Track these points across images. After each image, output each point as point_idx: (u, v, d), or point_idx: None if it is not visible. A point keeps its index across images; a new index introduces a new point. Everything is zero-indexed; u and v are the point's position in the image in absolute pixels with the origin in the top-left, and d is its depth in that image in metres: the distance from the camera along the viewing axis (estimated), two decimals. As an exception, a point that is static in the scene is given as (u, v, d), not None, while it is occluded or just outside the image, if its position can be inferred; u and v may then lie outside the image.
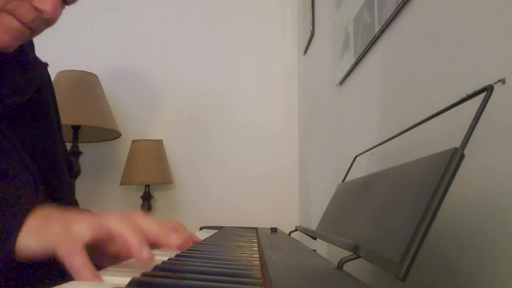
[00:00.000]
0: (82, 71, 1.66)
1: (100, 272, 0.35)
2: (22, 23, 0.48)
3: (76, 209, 0.65)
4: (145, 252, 0.35)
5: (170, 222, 0.63)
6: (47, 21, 0.51)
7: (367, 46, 0.80)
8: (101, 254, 0.42)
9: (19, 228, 0.36)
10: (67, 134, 1.66)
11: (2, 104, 0.52)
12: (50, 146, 0.60)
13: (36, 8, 0.48)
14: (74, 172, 1.60)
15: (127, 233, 0.36)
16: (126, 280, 0.28)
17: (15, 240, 0.36)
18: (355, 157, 0.74)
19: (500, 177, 0.38)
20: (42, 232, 0.36)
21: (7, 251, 0.35)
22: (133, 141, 1.76)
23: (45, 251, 0.35)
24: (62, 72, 1.63)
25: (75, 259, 0.33)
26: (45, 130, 0.60)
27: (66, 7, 0.58)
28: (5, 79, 0.53)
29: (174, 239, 0.39)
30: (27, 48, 0.58)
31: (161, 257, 0.40)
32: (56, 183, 0.60)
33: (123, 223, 0.36)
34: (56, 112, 0.67)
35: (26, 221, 0.37)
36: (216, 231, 1.04)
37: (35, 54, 0.61)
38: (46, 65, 0.63)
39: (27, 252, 0.36)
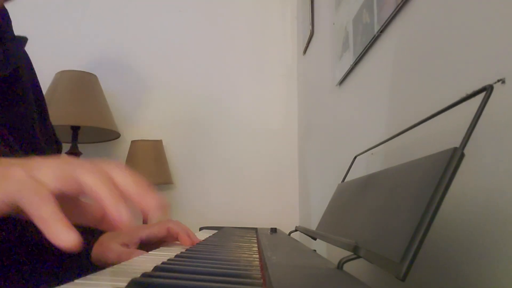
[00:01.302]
0: (81, 71, 1.66)
1: (98, 273, 0.35)
2: None
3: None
4: (123, 212, 0.29)
5: (166, 220, 0.63)
6: None
7: (367, 46, 0.80)
8: (83, 213, 0.36)
9: None
10: (66, 135, 1.66)
11: None
12: (28, 130, 0.55)
13: None
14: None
15: (100, 188, 0.30)
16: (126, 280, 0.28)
17: None
18: (355, 157, 0.74)
19: (500, 177, 0.38)
20: (1, 179, 0.30)
21: None
22: (132, 141, 1.76)
23: (5, 204, 0.30)
24: (62, 72, 1.63)
25: (43, 209, 0.28)
26: (20, 110, 0.55)
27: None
28: None
29: (151, 200, 0.31)
30: (3, 23, 0.54)
31: (161, 257, 0.40)
32: None
33: (96, 176, 0.31)
34: (37, 91, 0.61)
35: None
36: (216, 231, 1.04)
37: (12, 31, 0.57)
38: (25, 39, 0.58)
39: None
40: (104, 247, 0.56)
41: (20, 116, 0.55)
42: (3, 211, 0.30)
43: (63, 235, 0.27)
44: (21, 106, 0.55)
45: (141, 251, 0.53)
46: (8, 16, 0.57)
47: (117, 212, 0.29)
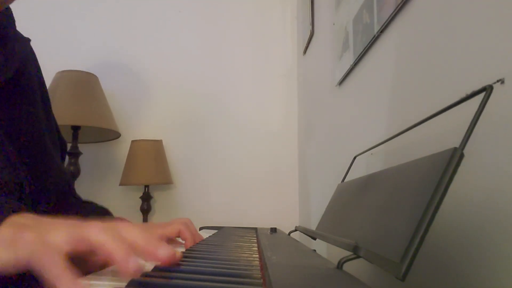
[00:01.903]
0: (81, 71, 1.66)
1: (99, 273, 0.35)
2: None
3: (66, 210, 0.62)
4: (132, 262, 0.31)
5: (180, 219, 0.65)
6: None
7: (367, 46, 0.80)
8: (84, 262, 0.37)
9: None
10: (66, 135, 1.66)
11: None
12: (33, 127, 0.56)
13: None
14: (73, 172, 1.60)
15: (109, 244, 0.31)
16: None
17: None
18: (355, 157, 0.74)
19: (500, 177, 0.38)
20: (13, 243, 0.32)
21: None
22: (132, 141, 1.76)
23: (16, 265, 0.31)
24: (62, 72, 1.63)
25: (54, 269, 0.29)
26: (26, 110, 0.56)
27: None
28: None
29: (163, 252, 0.33)
30: (6, 22, 0.55)
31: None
32: (43, 167, 0.56)
33: (105, 234, 0.32)
34: (43, 89, 0.63)
35: None
36: (216, 231, 1.04)
37: (16, 29, 0.57)
38: (28, 40, 0.60)
39: None
40: None
41: (27, 117, 0.55)
42: (14, 270, 0.31)
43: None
44: (28, 107, 0.56)
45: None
46: (12, 16, 0.56)
47: (127, 265, 0.31)
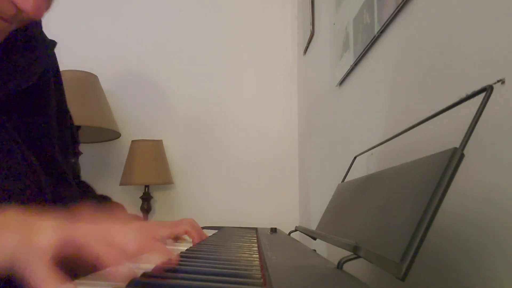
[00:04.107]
0: (82, 71, 1.66)
1: (99, 273, 0.35)
2: (1, 18, 0.42)
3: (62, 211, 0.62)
4: (120, 267, 0.29)
5: (186, 219, 0.68)
6: (31, 17, 0.44)
7: (367, 46, 0.80)
8: (74, 262, 0.35)
9: None
10: (66, 135, 1.66)
11: (3, 89, 0.47)
12: (45, 143, 0.55)
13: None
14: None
15: (96, 248, 0.30)
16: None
17: None
18: (355, 157, 0.74)
19: (500, 177, 0.38)
20: None
21: None
22: (132, 141, 1.76)
23: None
24: (62, 72, 1.62)
25: (38, 271, 0.28)
26: (40, 120, 0.55)
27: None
28: (8, 61, 0.48)
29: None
30: (32, 26, 0.53)
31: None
32: (57, 179, 0.56)
33: (95, 239, 0.31)
34: (60, 96, 0.62)
35: None
36: (216, 231, 1.04)
37: (42, 32, 0.56)
38: (54, 43, 0.58)
39: None
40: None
41: (39, 128, 0.54)
42: None
43: None
44: (42, 117, 0.55)
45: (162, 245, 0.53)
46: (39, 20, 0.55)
47: (115, 270, 0.29)
